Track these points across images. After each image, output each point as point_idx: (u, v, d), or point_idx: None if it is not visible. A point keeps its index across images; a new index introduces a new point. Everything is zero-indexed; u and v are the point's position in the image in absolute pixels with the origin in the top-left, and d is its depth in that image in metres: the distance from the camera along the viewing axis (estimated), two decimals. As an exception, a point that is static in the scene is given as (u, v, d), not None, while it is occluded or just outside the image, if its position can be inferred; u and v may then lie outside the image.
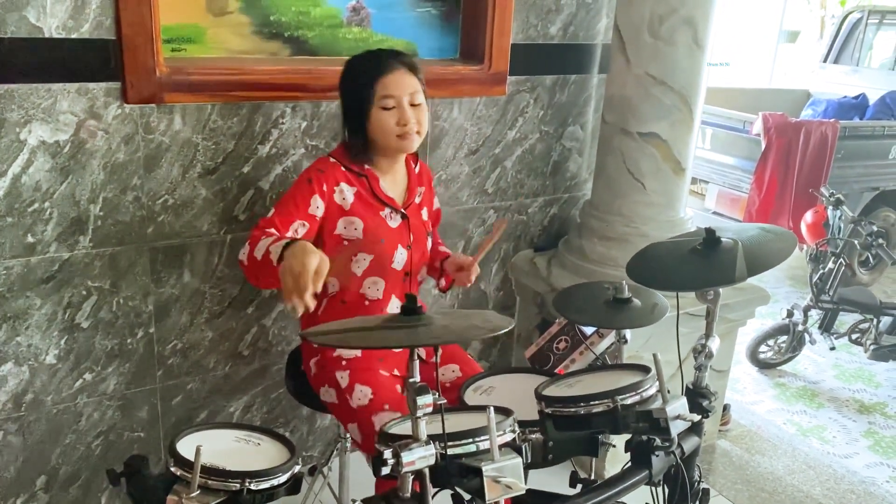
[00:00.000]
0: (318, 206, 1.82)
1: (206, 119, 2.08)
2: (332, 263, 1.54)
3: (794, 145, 4.94)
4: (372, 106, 1.82)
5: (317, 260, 1.49)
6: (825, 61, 7.05)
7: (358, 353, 1.90)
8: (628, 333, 1.82)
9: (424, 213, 2.05)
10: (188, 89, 2.02)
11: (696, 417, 1.54)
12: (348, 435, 2.13)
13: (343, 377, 1.86)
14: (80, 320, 2.09)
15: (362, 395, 1.81)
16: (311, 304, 1.50)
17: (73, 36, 1.86)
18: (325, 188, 1.83)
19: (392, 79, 1.82)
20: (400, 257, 1.93)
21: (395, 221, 1.93)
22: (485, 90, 2.51)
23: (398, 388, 1.87)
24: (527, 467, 1.41)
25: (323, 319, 1.92)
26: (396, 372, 1.94)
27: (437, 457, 1.26)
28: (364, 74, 1.83)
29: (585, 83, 2.74)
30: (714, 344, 1.72)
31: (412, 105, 1.84)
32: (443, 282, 2.11)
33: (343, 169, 1.88)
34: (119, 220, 2.05)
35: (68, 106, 1.90)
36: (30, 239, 1.96)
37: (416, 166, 2.05)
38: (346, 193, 1.86)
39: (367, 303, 1.93)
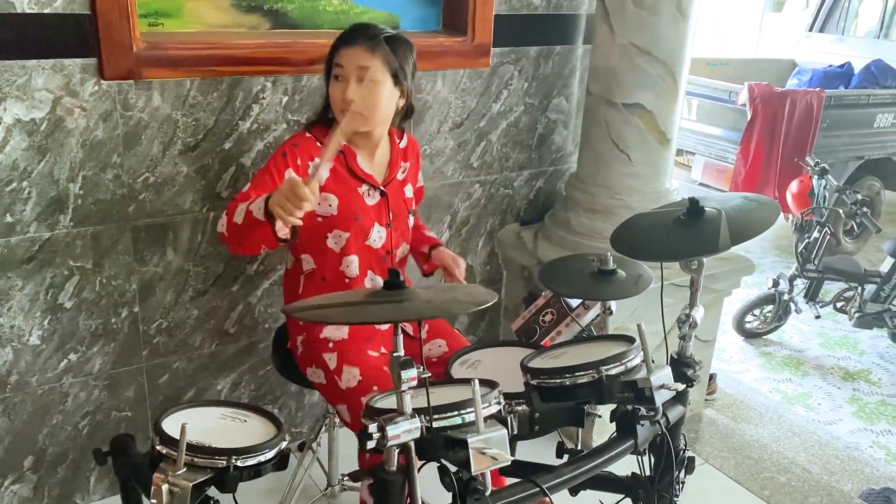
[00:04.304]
0: None
1: (185, 95, 2.05)
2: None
3: (780, 115, 4.93)
4: (329, 75, 1.83)
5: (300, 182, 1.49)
6: (811, 30, 7.01)
7: (345, 334, 1.89)
8: (613, 305, 1.83)
9: (408, 190, 2.02)
10: (166, 64, 1.98)
11: (681, 386, 1.54)
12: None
13: (331, 359, 1.85)
14: (63, 300, 2.07)
15: (351, 376, 1.80)
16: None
17: (47, 11, 1.82)
18: (299, 162, 1.81)
19: (348, 51, 1.79)
20: (377, 235, 1.91)
21: (372, 199, 1.90)
22: (468, 62, 2.48)
23: (386, 368, 1.85)
24: (514, 439, 1.42)
25: (304, 297, 1.91)
26: (384, 350, 1.92)
27: (422, 430, 1.26)
28: (333, 44, 1.83)
29: (570, 54, 2.71)
30: (698, 314, 1.72)
31: (359, 81, 1.78)
32: (426, 266, 2.10)
33: (318, 144, 1.85)
34: (99, 198, 2.03)
35: (44, 83, 1.87)
36: (8, 219, 1.93)
37: (401, 140, 2.01)
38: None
39: (346, 280, 1.91)
